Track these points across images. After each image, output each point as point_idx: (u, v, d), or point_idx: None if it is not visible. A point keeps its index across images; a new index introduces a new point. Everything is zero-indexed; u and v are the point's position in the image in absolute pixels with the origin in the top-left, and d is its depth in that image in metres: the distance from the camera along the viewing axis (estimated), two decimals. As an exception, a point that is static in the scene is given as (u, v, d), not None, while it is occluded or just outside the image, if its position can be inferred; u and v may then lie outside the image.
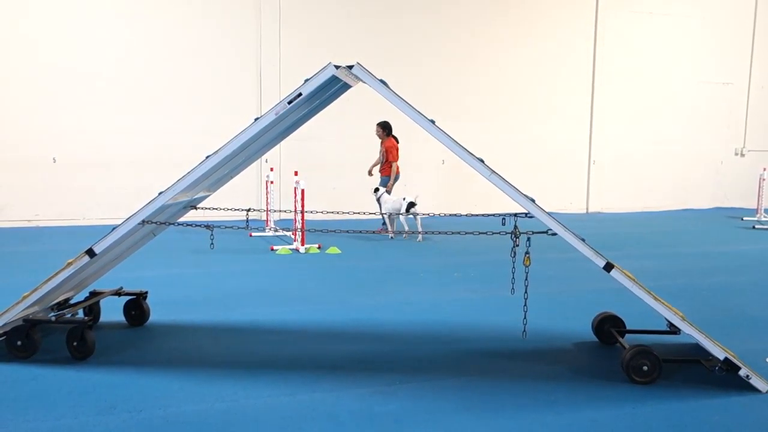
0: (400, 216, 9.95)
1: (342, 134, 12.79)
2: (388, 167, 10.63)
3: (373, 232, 5.34)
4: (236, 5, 12.17)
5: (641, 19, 15.17)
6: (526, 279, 4.19)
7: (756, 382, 3.72)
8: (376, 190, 10.34)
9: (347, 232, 4.85)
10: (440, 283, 6.77)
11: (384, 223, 10.29)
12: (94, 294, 4.95)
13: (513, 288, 4.28)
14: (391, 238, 10.04)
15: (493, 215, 4.65)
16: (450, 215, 4.84)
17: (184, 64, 11.90)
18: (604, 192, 15.21)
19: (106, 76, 11.45)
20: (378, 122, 10.62)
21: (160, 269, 7.23)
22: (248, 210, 5.25)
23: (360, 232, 4.73)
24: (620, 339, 4.31)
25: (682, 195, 15.93)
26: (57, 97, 11.21)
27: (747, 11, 16.07)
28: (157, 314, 5.19)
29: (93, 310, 4.98)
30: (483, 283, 6.77)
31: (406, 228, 10.03)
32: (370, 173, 10.86)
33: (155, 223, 4.37)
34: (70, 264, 4.07)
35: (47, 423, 3.21)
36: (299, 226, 8.83)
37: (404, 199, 10.00)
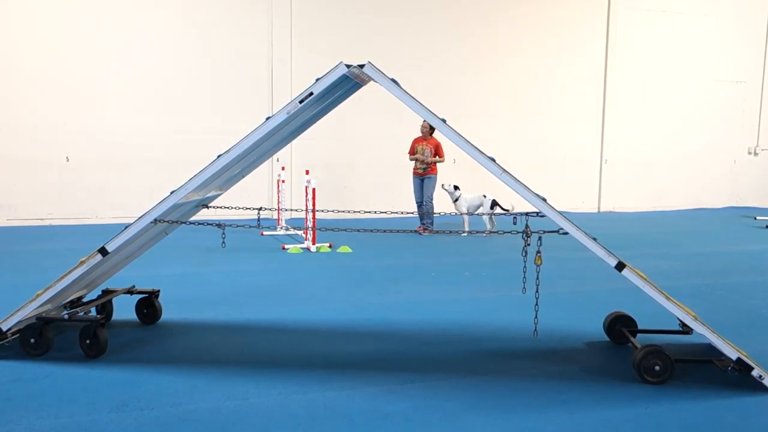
0: (483, 215, 10.16)
1: (353, 133, 12.79)
2: (435, 166, 10.75)
3: (416, 231, 5.32)
4: (248, 6, 12.20)
5: (654, 17, 15.07)
6: (538, 278, 4.18)
7: (769, 382, 3.69)
8: (456, 188, 10.50)
9: (358, 231, 4.86)
10: (451, 283, 6.76)
11: (425, 222, 10.51)
12: (106, 292, 4.98)
13: (524, 287, 4.26)
14: (464, 235, 10.15)
15: (505, 214, 4.64)
16: (461, 214, 4.83)
17: (196, 64, 11.95)
18: (616, 191, 15.13)
19: (119, 76, 11.50)
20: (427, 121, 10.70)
21: (172, 268, 7.27)
22: (260, 209, 5.25)
23: (371, 231, 4.73)
24: (632, 339, 4.29)
25: (695, 194, 15.83)
26: (70, 97, 11.27)
27: (760, 9, 15.93)
28: (168, 313, 5.21)
29: (105, 309, 5.01)
30: (494, 283, 6.76)
31: (488, 227, 10.14)
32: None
33: (167, 221, 4.39)
34: (82, 262, 4.10)
35: (60, 420, 3.24)
36: (310, 225, 8.84)
37: (485, 196, 10.30)
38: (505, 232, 4.61)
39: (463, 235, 9.97)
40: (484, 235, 10.01)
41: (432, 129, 10.58)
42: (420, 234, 10.25)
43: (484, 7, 13.70)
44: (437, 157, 10.72)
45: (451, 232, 4.83)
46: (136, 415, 3.30)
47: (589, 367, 4.14)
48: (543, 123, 14.31)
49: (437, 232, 10.02)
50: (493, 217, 10.17)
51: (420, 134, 10.80)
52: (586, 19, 14.55)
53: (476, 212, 10.12)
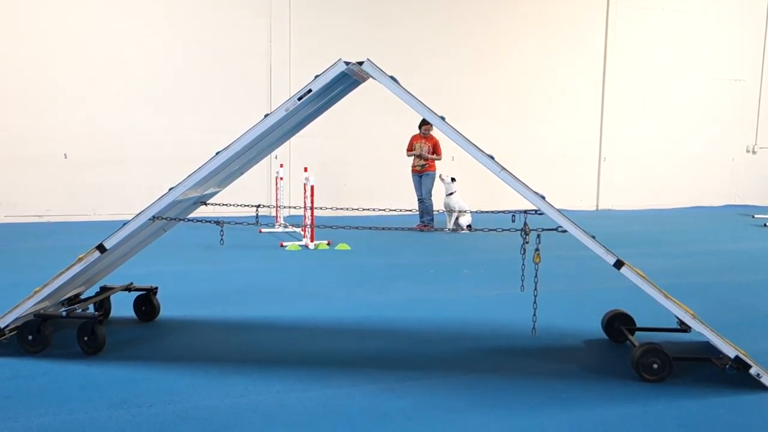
0: (463, 215, 10.17)
1: (352, 131, 12.79)
2: (434, 163, 10.73)
3: (414, 228, 5.31)
4: (247, 5, 12.19)
5: (653, 15, 15.08)
6: (536, 276, 4.18)
7: (767, 380, 3.69)
8: (453, 180, 10.50)
9: (357, 228, 4.85)
10: (450, 281, 6.76)
11: (426, 219, 10.50)
12: (104, 289, 4.98)
13: (523, 285, 4.26)
14: (448, 230, 10.25)
15: (503, 212, 4.64)
16: (451, 210, 4.83)
17: (196, 62, 11.93)
18: (614, 189, 15.14)
19: (117, 73, 11.49)
20: (426, 120, 10.65)
21: (171, 265, 7.26)
22: (258, 206, 5.25)
23: (370, 228, 4.73)
24: (630, 337, 4.29)
25: (693, 193, 15.84)
26: (68, 94, 11.26)
27: (759, 7, 15.94)
28: (167, 310, 5.21)
29: (103, 306, 5.00)
30: (492, 281, 6.76)
31: (450, 225, 10.33)
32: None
33: (166, 219, 4.38)
34: (80, 259, 4.09)
35: (58, 417, 3.23)
36: (309, 222, 8.84)
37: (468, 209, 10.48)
38: (503, 230, 4.61)
39: (445, 230, 10.12)
40: (445, 230, 10.24)
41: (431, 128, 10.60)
42: (422, 231, 10.24)
43: (484, 7, 13.68)
44: (435, 155, 10.72)
45: (450, 230, 4.83)
46: (135, 413, 3.30)
47: (587, 365, 4.14)
48: (542, 121, 14.31)
49: (436, 229, 10.02)
50: (458, 221, 10.29)
51: (420, 132, 10.80)
52: (585, 18, 14.55)
53: (457, 212, 10.17)
